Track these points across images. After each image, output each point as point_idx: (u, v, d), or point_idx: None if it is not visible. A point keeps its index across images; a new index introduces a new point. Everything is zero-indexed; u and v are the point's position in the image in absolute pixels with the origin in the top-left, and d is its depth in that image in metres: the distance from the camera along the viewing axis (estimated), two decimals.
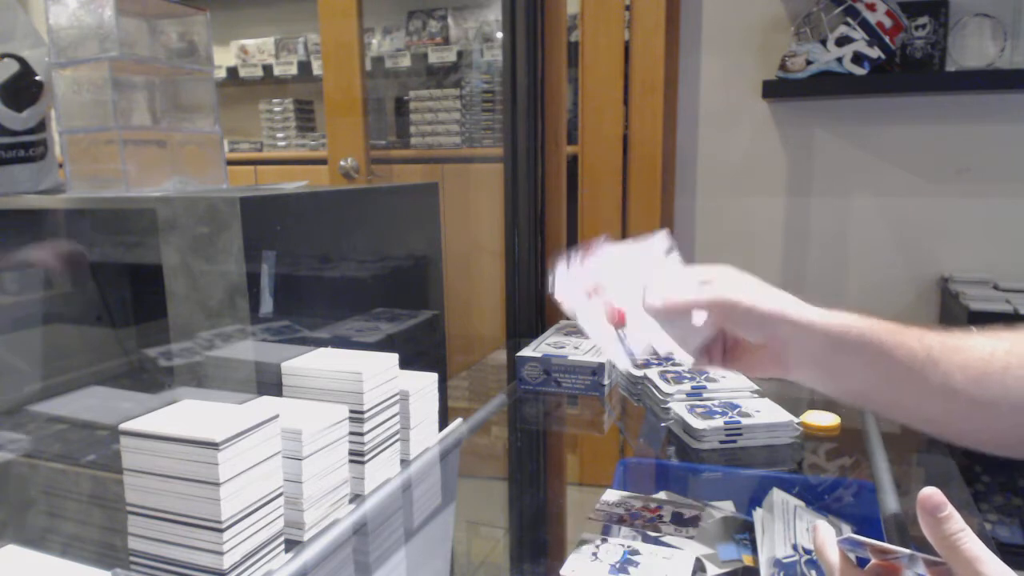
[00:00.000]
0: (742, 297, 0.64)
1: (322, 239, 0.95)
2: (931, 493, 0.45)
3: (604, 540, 0.67)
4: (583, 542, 0.67)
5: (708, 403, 1.00)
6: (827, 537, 0.53)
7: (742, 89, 1.97)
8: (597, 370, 1.14)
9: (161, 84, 1.01)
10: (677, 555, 0.65)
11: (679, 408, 0.98)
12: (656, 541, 0.68)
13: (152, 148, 0.99)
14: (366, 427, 0.74)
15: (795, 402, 1.04)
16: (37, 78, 1.03)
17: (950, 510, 0.45)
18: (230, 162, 1.18)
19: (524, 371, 1.19)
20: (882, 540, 0.51)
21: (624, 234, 1.94)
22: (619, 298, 0.66)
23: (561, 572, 0.63)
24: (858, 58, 1.73)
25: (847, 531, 0.70)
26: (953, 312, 1.67)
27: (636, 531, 0.70)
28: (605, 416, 1.16)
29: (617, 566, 0.63)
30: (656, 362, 1.16)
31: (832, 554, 0.52)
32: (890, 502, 0.77)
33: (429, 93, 2.69)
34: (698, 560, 0.65)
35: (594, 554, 0.65)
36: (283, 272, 0.84)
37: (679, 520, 0.71)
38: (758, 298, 0.64)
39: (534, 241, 1.54)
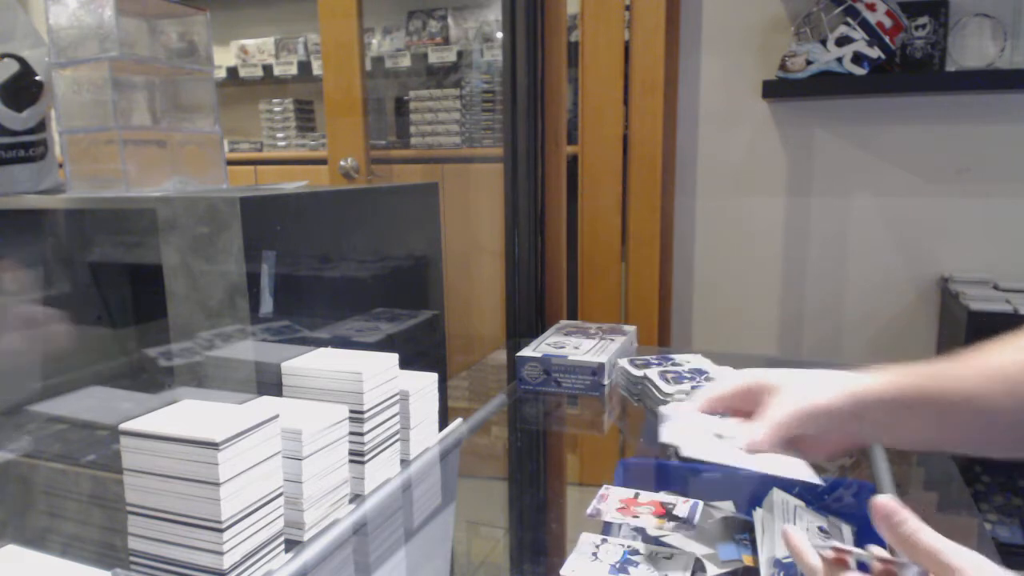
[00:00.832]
0: (814, 404, 0.64)
1: (322, 239, 0.95)
2: (883, 501, 0.47)
3: (604, 540, 0.67)
4: (583, 543, 0.67)
5: None
6: (802, 543, 0.52)
7: (742, 89, 1.97)
8: (597, 370, 1.14)
9: (161, 84, 1.01)
10: (677, 555, 0.65)
11: None
12: (656, 541, 0.69)
13: (152, 148, 0.99)
14: (366, 427, 0.74)
15: None
16: (37, 78, 1.03)
17: (903, 513, 0.46)
18: (230, 162, 1.18)
19: (524, 371, 1.19)
20: (883, 541, 0.51)
21: (624, 234, 1.94)
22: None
23: (561, 572, 0.63)
24: (858, 58, 1.73)
25: (847, 531, 0.70)
26: (953, 312, 1.67)
27: (636, 531, 0.70)
28: (605, 416, 1.16)
29: (617, 566, 0.63)
30: (656, 362, 1.16)
31: (812, 558, 0.51)
32: None
33: (429, 93, 2.69)
34: (698, 560, 0.65)
35: (594, 554, 0.65)
36: (283, 272, 0.84)
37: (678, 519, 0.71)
38: (821, 396, 0.64)
39: (534, 241, 1.54)
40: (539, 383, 1.18)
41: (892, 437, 0.66)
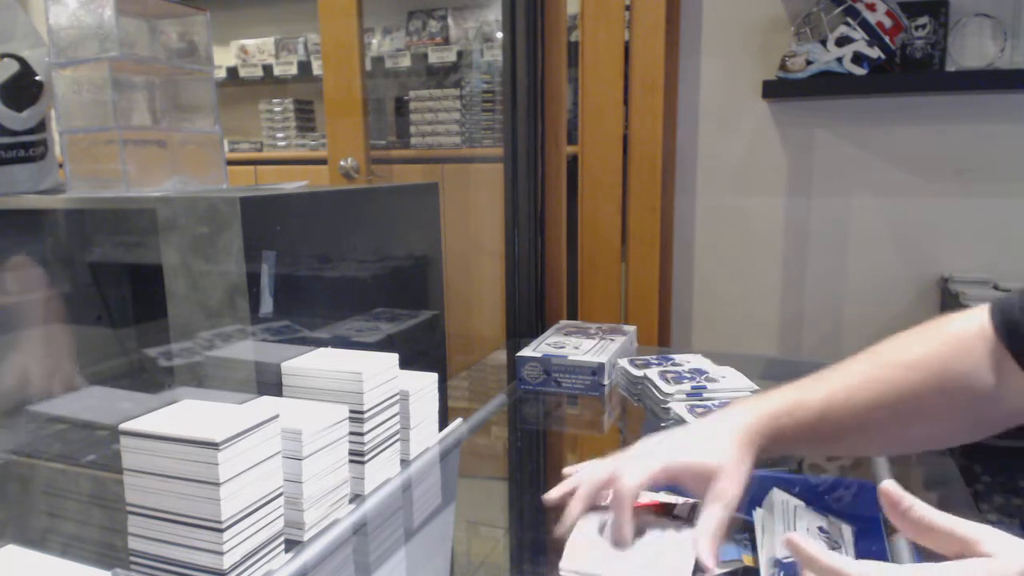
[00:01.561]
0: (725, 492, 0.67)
1: (322, 239, 0.95)
2: (889, 488, 0.48)
3: (602, 534, 0.67)
4: (581, 537, 0.67)
5: (708, 403, 1.00)
6: (811, 548, 0.51)
7: (742, 89, 1.97)
8: (597, 370, 1.14)
9: (161, 84, 1.01)
10: (676, 554, 0.64)
11: (679, 408, 0.98)
12: (656, 541, 0.68)
13: (152, 148, 0.99)
14: (366, 427, 0.74)
15: None
16: (37, 78, 1.03)
17: (909, 498, 0.48)
18: (230, 162, 1.18)
19: (524, 371, 1.19)
20: (883, 541, 0.51)
21: (624, 234, 1.94)
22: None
23: (560, 566, 0.63)
24: (858, 58, 1.73)
25: (847, 531, 0.70)
26: (953, 312, 1.66)
27: (636, 530, 0.70)
28: (605, 416, 1.16)
29: (615, 562, 0.63)
30: (656, 362, 1.16)
31: (831, 558, 0.50)
32: None
33: (429, 93, 2.69)
34: (698, 560, 0.65)
35: (593, 551, 0.65)
36: (283, 272, 0.84)
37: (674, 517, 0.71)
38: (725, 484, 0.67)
39: (534, 241, 1.54)
40: (539, 383, 1.18)
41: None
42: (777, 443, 0.69)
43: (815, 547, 0.49)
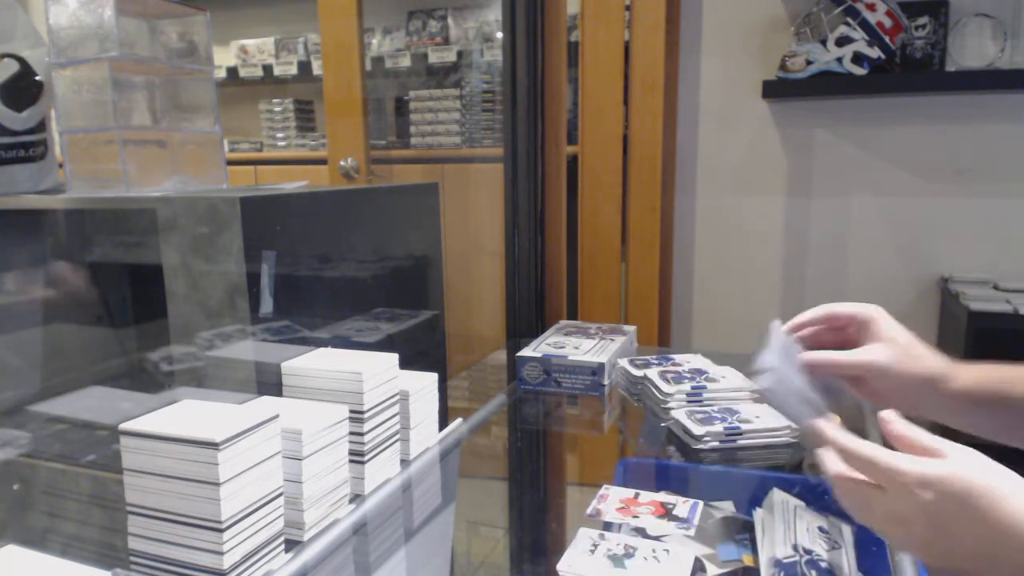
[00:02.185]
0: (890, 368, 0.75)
1: (322, 239, 0.95)
2: (885, 413, 0.57)
3: (602, 537, 0.67)
4: (581, 538, 0.67)
5: (707, 409, 1.00)
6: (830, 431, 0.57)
7: (742, 89, 1.97)
8: (597, 370, 1.14)
9: (161, 84, 1.01)
10: (676, 554, 0.65)
11: (679, 414, 0.98)
12: (655, 539, 0.68)
13: (152, 148, 0.99)
14: (366, 427, 0.74)
15: None
16: (37, 78, 1.03)
17: (895, 417, 0.57)
18: (230, 162, 1.18)
19: (524, 371, 1.19)
20: (883, 540, 0.51)
21: (624, 234, 1.94)
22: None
23: (558, 567, 0.63)
24: (858, 58, 1.73)
25: (847, 531, 0.70)
26: (953, 312, 1.67)
27: (636, 531, 0.70)
28: (605, 416, 1.16)
29: (614, 563, 0.63)
30: (656, 362, 1.16)
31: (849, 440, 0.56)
32: None
33: (429, 93, 2.69)
34: (698, 560, 0.65)
35: (591, 551, 0.65)
36: (283, 272, 0.84)
37: (675, 517, 0.71)
38: (903, 364, 0.77)
39: (534, 241, 1.54)
40: (539, 383, 1.18)
41: (963, 426, 0.71)
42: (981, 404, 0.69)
43: (836, 432, 0.57)
